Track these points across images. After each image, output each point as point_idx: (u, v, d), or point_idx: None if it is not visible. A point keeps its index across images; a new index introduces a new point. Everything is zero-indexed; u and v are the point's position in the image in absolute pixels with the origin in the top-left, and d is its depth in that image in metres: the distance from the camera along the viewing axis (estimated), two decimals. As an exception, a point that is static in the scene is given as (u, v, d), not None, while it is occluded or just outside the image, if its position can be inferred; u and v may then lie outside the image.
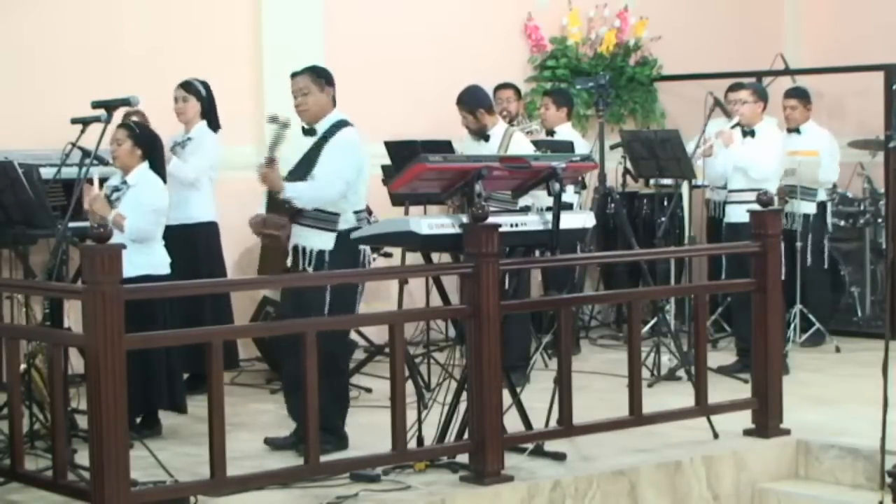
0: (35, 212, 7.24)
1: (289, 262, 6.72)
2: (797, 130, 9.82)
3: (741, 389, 7.77)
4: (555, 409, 6.60)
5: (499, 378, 6.21)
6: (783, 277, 7.36)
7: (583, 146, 9.69)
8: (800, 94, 9.98)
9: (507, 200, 7.79)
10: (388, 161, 8.95)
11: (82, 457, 5.88)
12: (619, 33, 11.57)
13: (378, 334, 8.86)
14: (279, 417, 7.38)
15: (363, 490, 6.01)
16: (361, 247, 6.72)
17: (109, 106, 6.58)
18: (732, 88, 9.85)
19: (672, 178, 9.61)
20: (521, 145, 8.16)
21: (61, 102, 7.84)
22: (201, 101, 8.44)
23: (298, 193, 6.62)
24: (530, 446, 6.56)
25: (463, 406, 6.36)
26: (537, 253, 7.27)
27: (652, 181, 10.30)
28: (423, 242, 6.33)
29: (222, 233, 8.61)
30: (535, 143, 8.72)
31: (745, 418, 7.14)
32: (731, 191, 9.03)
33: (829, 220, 10.13)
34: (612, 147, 10.29)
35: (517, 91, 10.14)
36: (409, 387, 6.72)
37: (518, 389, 6.64)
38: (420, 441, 6.39)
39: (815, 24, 12.45)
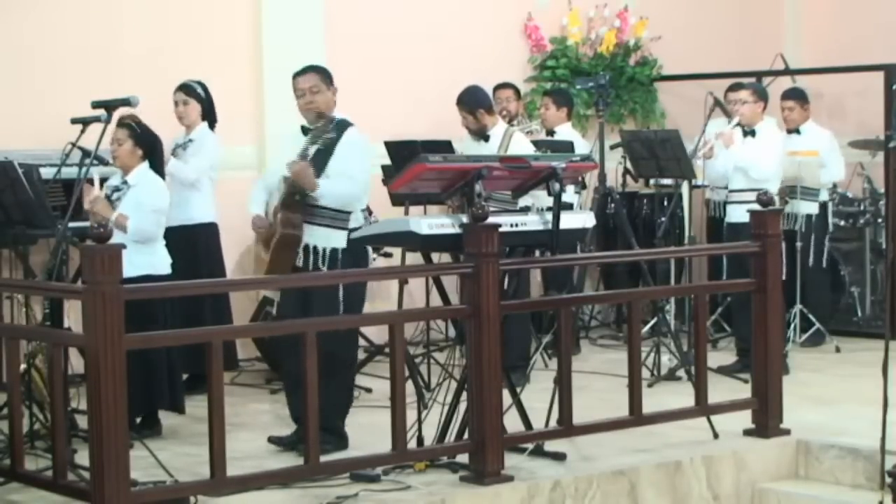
0: (35, 212, 7.24)
1: (300, 261, 6.72)
2: (797, 131, 9.82)
3: (741, 389, 7.77)
4: (555, 409, 6.59)
5: (499, 378, 6.21)
6: (784, 277, 7.36)
7: (583, 146, 9.69)
8: (797, 95, 9.97)
9: (507, 200, 7.79)
10: (388, 161, 8.95)
11: (82, 457, 5.88)
12: (619, 33, 11.57)
13: (378, 334, 8.87)
14: (279, 417, 7.38)
15: (363, 490, 6.01)
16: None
17: (109, 106, 6.59)
18: (732, 88, 9.86)
19: (672, 178, 9.62)
20: (521, 145, 8.15)
21: (61, 102, 7.84)
22: (201, 102, 8.45)
23: (328, 192, 6.63)
24: (530, 446, 6.56)
25: (463, 406, 6.36)
26: (537, 253, 7.27)
27: (652, 181, 10.30)
28: (423, 242, 6.33)
29: (222, 233, 8.61)
30: (535, 143, 8.72)
31: (745, 418, 7.14)
32: (731, 191, 9.03)
33: (831, 220, 10.13)
34: (612, 147, 10.29)
35: (516, 91, 10.14)
36: (409, 387, 6.72)
37: (518, 389, 6.64)
38: (420, 441, 6.39)
39: (815, 24, 12.45)
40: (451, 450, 6.39)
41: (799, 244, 9.64)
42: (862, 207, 10.66)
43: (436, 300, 7.03)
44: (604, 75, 10.19)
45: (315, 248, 6.71)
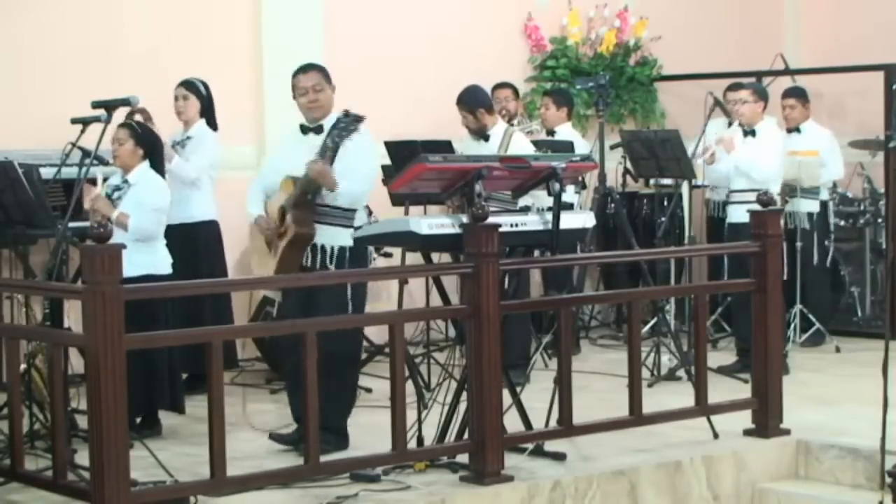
0: (35, 212, 7.24)
1: (307, 261, 6.72)
2: (797, 130, 9.82)
3: (741, 389, 7.77)
4: (555, 409, 6.59)
5: (499, 378, 6.21)
6: (785, 277, 7.36)
7: (583, 146, 9.69)
8: (798, 94, 9.98)
9: (507, 200, 7.79)
10: (388, 161, 8.95)
11: (82, 457, 5.88)
12: (619, 33, 11.57)
13: (378, 334, 8.87)
14: (280, 417, 7.38)
15: (363, 490, 6.01)
16: (364, 244, 6.78)
17: (109, 106, 6.59)
18: (732, 88, 9.87)
19: (672, 178, 9.62)
20: (521, 145, 8.15)
21: (61, 102, 7.85)
22: (201, 100, 8.45)
23: (347, 191, 6.63)
24: (530, 446, 6.56)
25: (463, 406, 6.36)
26: (537, 253, 7.27)
27: (652, 181, 10.30)
28: (423, 242, 6.33)
29: (223, 232, 8.61)
30: (535, 143, 8.71)
31: (745, 418, 7.14)
32: (732, 191, 9.03)
33: (832, 219, 10.13)
34: (612, 147, 10.29)
35: (515, 90, 10.13)
36: (409, 387, 6.72)
37: (518, 389, 6.64)
38: (420, 441, 6.39)
39: (815, 24, 12.45)
40: (451, 450, 6.39)
41: (799, 244, 9.64)
42: (862, 207, 10.66)
43: (436, 300, 7.03)
44: (604, 75, 10.20)
45: (322, 246, 6.71)
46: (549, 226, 6.50)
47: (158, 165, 7.21)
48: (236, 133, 9.20)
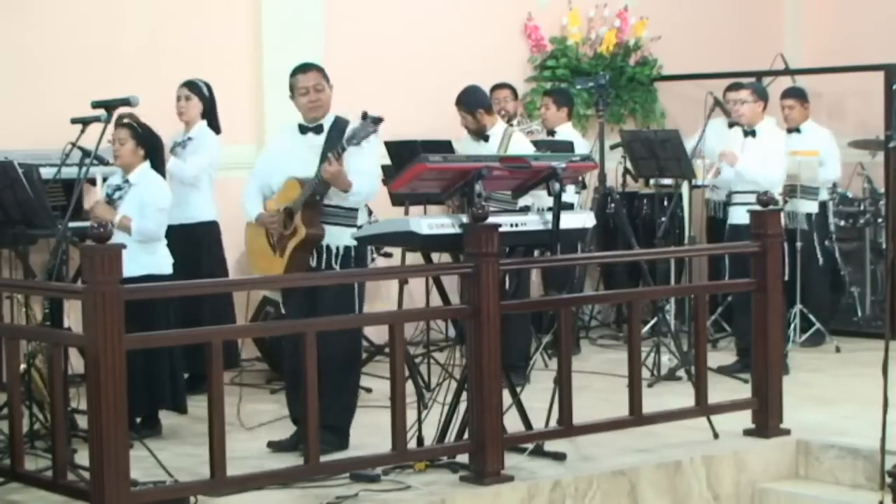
0: (35, 212, 7.24)
1: (313, 261, 6.72)
2: (797, 130, 9.82)
3: (741, 389, 7.77)
4: (555, 409, 6.59)
5: (499, 378, 6.21)
6: (786, 277, 7.36)
7: (583, 146, 9.69)
8: (797, 94, 9.98)
9: (507, 200, 7.79)
10: (388, 161, 8.94)
11: (82, 457, 5.88)
12: (619, 33, 11.57)
13: (378, 334, 8.87)
14: (279, 417, 7.37)
15: (363, 490, 6.01)
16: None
17: (109, 106, 6.60)
18: (731, 88, 9.85)
19: (672, 178, 9.62)
20: (521, 145, 8.15)
21: (61, 102, 7.85)
22: (203, 101, 8.45)
23: (359, 191, 6.65)
24: (530, 446, 6.56)
25: (463, 406, 6.36)
26: (537, 253, 7.27)
27: (652, 181, 10.30)
28: (423, 242, 6.33)
29: (223, 232, 8.61)
30: (535, 143, 8.72)
31: (745, 418, 7.14)
32: (733, 192, 9.02)
33: (831, 219, 10.13)
34: (612, 147, 10.29)
35: (513, 91, 10.11)
36: (409, 387, 6.72)
37: (518, 389, 6.64)
38: (420, 441, 6.39)
39: (815, 23, 12.45)
40: (451, 450, 6.39)
41: (799, 244, 9.63)
42: (862, 207, 10.66)
43: (436, 300, 7.03)
44: (604, 75, 10.20)
45: (328, 246, 6.72)
46: (549, 226, 6.50)
47: (159, 165, 7.21)
48: (236, 133, 9.19)
